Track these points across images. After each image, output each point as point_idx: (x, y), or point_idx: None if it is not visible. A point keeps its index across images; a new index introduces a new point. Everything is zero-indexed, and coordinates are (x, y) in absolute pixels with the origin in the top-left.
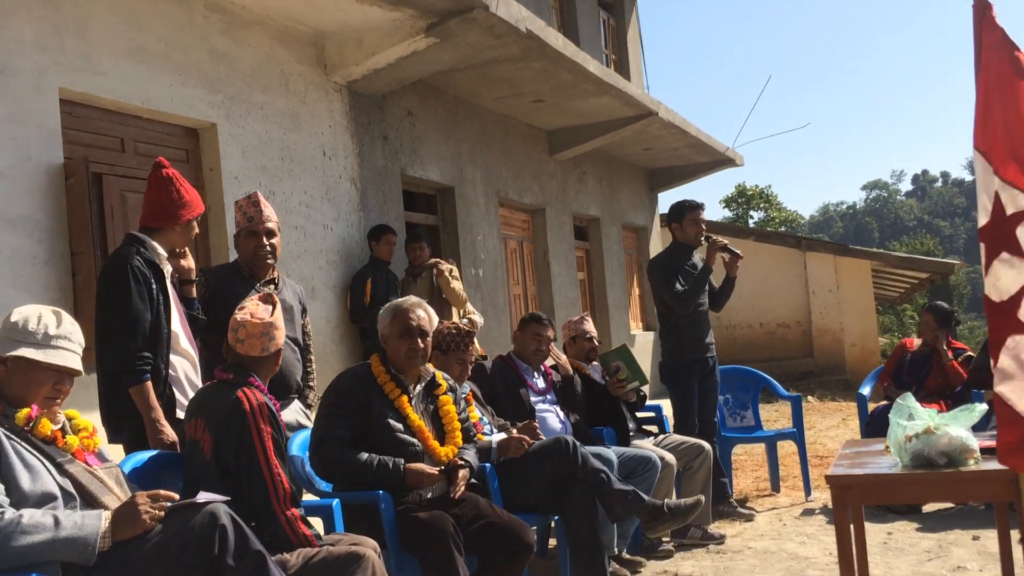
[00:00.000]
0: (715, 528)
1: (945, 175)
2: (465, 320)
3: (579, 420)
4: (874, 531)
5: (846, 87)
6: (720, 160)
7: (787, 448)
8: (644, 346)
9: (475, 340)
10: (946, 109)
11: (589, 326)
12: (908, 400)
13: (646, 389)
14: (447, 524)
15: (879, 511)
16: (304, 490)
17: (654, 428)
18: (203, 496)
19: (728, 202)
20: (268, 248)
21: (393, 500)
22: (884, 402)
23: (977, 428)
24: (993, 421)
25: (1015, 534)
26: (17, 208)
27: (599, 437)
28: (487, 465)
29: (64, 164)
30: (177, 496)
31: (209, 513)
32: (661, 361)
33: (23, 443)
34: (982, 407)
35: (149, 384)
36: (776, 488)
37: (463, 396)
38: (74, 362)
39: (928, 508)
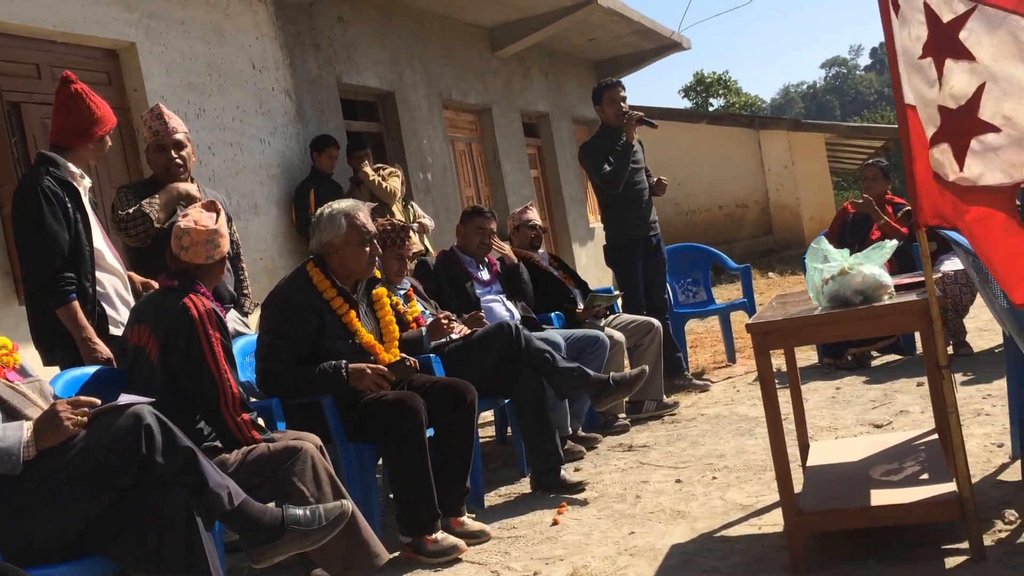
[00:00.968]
0: (670, 399)
1: None
2: (415, 224)
3: (526, 307)
4: (824, 387)
5: None
6: (667, 45)
7: (742, 321)
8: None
9: (417, 237)
10: None
11: (532, 214)
12: (822, 243)
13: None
14: (417, 401)
15: (829, 369)
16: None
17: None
18: (125, 398)
19: (687, 91)
20: (179, 160)
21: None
22: None
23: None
24: (941, 261)
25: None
26: None
27: (548, 322)
28: (432, 355)
29: None
30: (99, 401)
31: (133, 415)
32: (604, 244)
33: None
34: (892, 243)
35: (76, 304)
36: (732, 359)
37: (403, 292)
38: None
39: (877, 362)
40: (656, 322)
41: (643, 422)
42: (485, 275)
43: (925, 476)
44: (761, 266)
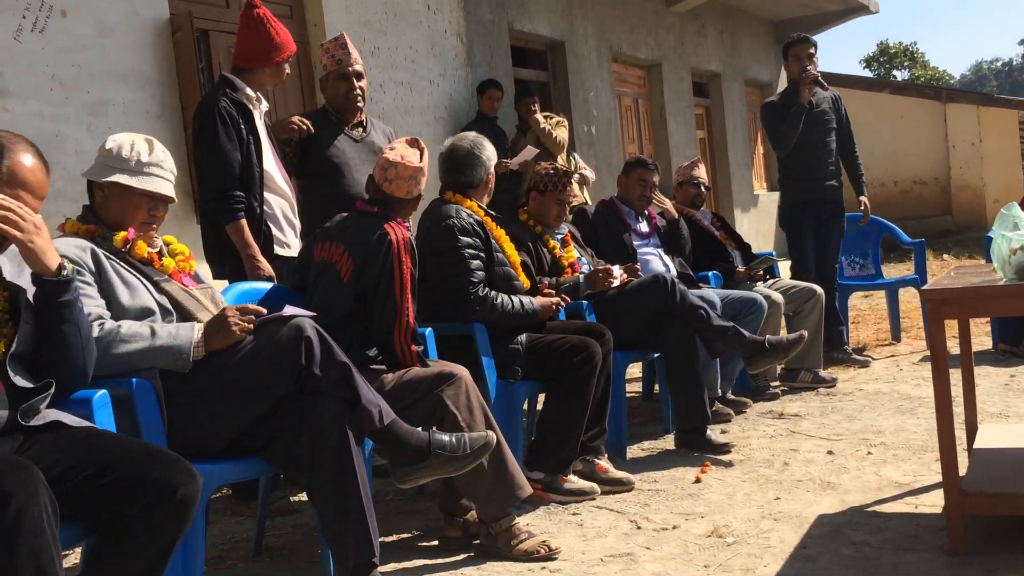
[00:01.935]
0: (827, 373)
1: None
2: (577, 176)
3: (683, 263)
4: (997, 374)
5: None
6: (852, 7)
7: (912, 301)
8: (768, 207)
9: (579, 187)
10: None
11: (700, 172)
12: (1013, 209)
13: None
14: (596, 347)
15: (1005, 356)
16: None
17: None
18: (289, 310)
19: (869, 61)
20: (358, 91)
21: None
22: None
23: None
24: None
25: None
26: (128, 63)
27: (705, 281)
28: (583, 303)
29: (170, 19)
30: (265, 311)
31: (295, 326)
32: (778, 205)
33: (122, 263)
34: None
35: (243, 222)
36: (897, 338)
37: (560, 237)
38: (166, 188)
39: None
40: (819, 289)
41: (797, 392)
42: (644, 227)
43: None
44: (936, 248)
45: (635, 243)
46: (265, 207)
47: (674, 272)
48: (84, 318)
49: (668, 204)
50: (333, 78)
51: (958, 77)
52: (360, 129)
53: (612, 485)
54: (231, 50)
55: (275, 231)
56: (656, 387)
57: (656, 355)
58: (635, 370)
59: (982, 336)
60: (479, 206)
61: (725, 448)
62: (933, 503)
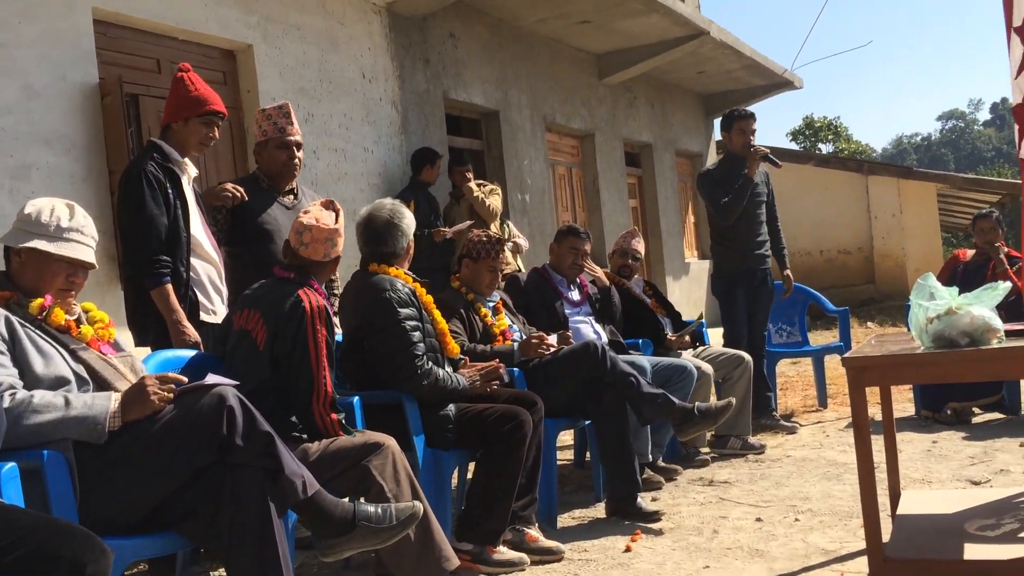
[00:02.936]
0: (756, 439)
1: None
2: (511, 244)
3: (614, 331)
4: (919, 440)
5: (915, 8)
6: (778, 83)
7: (838, 368)
8: (699, 275)
9: (511, 255)
10: None
11: (636, 244)
12: (929, 279)
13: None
14: (526, 415)
15: (927, 422)
16: None
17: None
18: (211, 378)
19: (795, 135)
20: (297, 160)
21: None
22: None
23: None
24: None
25: None
26: (54, 127)
27: (635, 348)
28: (515, 369)
29: (99, 84)
30: (186, 380)
31: (217, 395)
32: (711, 273)
33: (37, 331)
34: (1005, 285)
35: (169, 287)
36: (823, 404)
37: (492, 304)
38: (86, 255)
39: (977, 420)
40: (747, 356)
41: (726, 458)
42: (575, 295)
43: None
44: (860, 315)
45: (566, 311)
46: (192, 273)
47: (605, 339)
48: None
49: (599, 272)
50: (272, 146)
51: (880, 151)
52: (291, 196)
53: (542, 555)
54: (161, 115)
55: (201, 297)
56: (588, 455)
57: (587, 422)
58: (567, 437)
59: (905, 403)
60: (406, 273)
61: (655, 516)
62: (858, 570)
